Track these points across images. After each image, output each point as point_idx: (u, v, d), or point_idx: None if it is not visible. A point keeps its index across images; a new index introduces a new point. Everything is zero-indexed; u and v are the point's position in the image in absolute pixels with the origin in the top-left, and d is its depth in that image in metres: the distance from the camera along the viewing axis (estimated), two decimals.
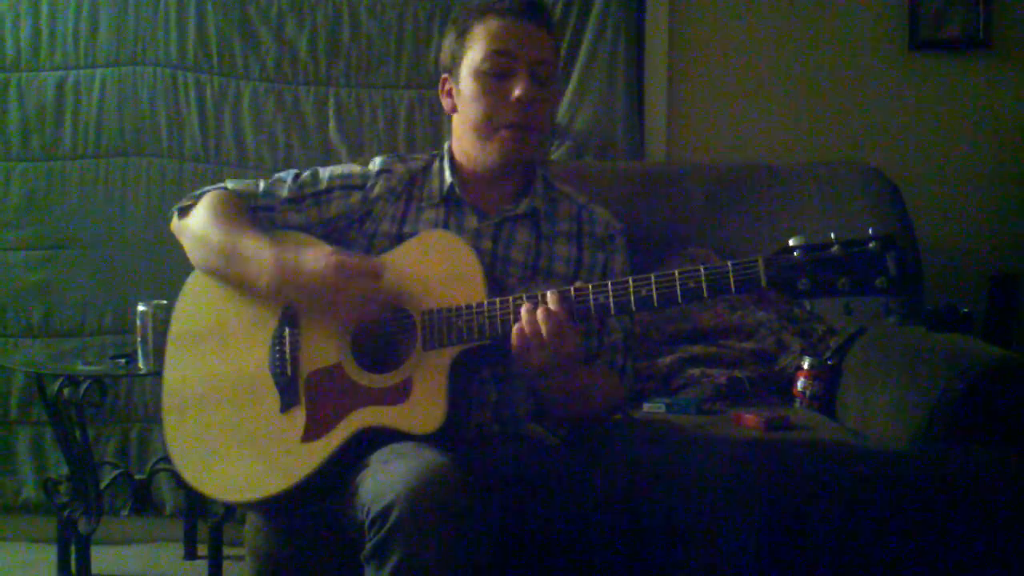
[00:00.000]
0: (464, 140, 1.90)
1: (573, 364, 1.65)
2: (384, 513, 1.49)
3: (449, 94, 1.92)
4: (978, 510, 2.00)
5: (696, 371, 2.58)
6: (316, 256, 1.73)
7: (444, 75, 1.92)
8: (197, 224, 1.87)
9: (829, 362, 2.51)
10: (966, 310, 2.63)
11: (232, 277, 1.83)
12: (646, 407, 2.44)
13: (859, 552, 2.00)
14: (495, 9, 1.85)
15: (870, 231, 1.51)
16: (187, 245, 1.91)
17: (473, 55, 1.84)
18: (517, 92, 1.80)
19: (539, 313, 1.61)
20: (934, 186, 3.17)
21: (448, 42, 1.91)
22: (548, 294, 1.63)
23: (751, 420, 2.29)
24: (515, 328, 1.62)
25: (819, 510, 2.01)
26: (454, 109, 1.91)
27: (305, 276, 1.73)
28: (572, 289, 1.64)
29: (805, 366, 2.51)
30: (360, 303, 1.72)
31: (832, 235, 1.52)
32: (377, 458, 1.63)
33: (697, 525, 1.58)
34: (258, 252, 1.78)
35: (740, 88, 3.24)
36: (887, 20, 3.22)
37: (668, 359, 2.60)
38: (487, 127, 1.84)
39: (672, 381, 2.58)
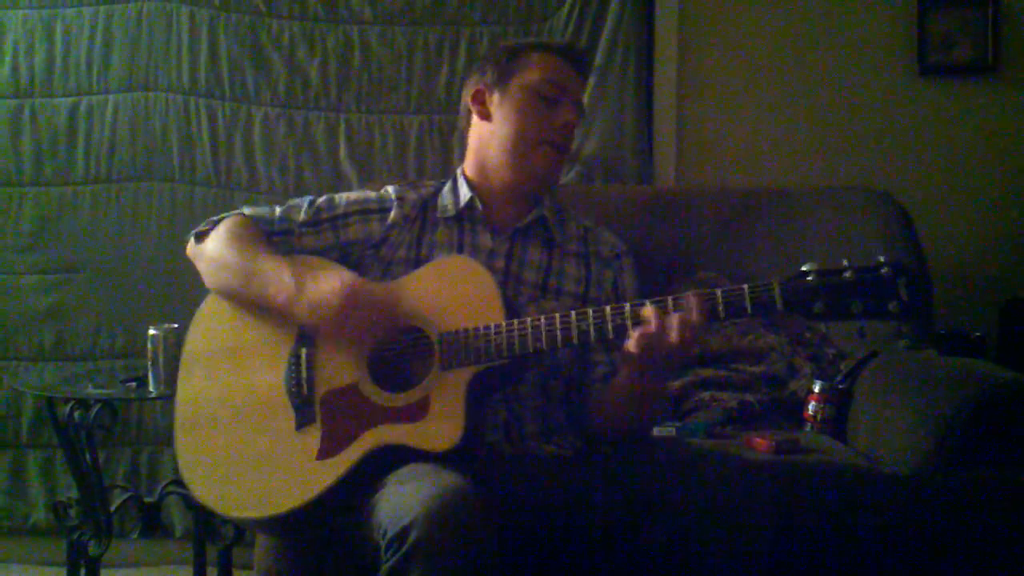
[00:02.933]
0: (490, 151, 1.98)
1: (676, 370, 1.74)
2: (402, 535, 1.50)
3: (482, 103, 2.00)
4: (989, 533, 2.00)
5: (706, 395, 2.57)
6: (335, 279, 1.75)
7: (482, 86, 2.01)
8: (215, 247, 1.90)
9: (840, 386, 2.50)
10: (978, 334, 2.63)
11: (250, 298, 1.85)
12: (656, 431, 2.43)
13: (868, 574, 1.99)
14: (556, 48, 2.03)
15: (881, 258, 1.55)
16: (204, 268, 1.93)
17: (529, 76, 1.97)
18: (567, 117, 1.96)
19: (675, 315, 1.62)
20: (944, 211, 3.17)
21: (495, 59, 2.02)
22: (690, 296, 1.62)
23: (762, 443, 2.28)
24: (641, 330, 1.63)
25: (830, 533, 2.01)
26: (487, 117, 2.00)
27: (324, 299, 1.74)
28: (608, 308, 1.67)
29: (816, 390, 2.50)
30: (376, 328, 1.74)
31: (844, 261, 1.56)
32: (394, 479, 1.63)
33: (708, 547, 1.59)
34: (277, 274, 1.80)
35: (749, 112, 3.26)
36: (896, 45, 3.23)
37: (679, 383, 2.60)
38: (528, 141, 1.94)
39: (682, 405, 2.58)
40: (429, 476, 1.58)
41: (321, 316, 1.76)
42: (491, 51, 2.09)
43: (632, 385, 1.75)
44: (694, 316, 1.60)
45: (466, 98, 2.04)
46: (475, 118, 2.02)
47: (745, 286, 1.59)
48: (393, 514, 1.54)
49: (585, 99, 2.08)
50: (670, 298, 1.63)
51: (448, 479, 1.56)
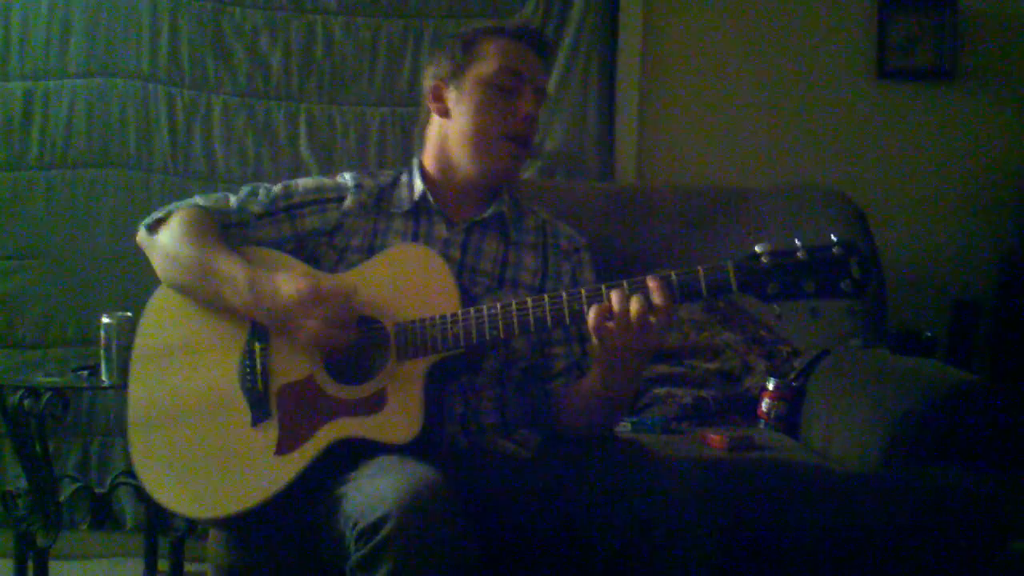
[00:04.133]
0: (449, 147, 1.95)
1: (648, 358, 1.70)
2: (375, 526, 1.49)
3: (440, 99, 1.96)
4: (940, 530, 2.02)
5: (662, 391, 2.59)
6: (290, 278, 1.73)
7: (437, 81, 1.96)
8: (168, 241, 1.86)
9: (793, 383, 2.52)
10: (929, 334, 2.66)
11: (204, 296, 1.82)
12: None
13: (822, 572, 2.00)
14: (509, 32, 1.95)
15: (833, 237, 1.55)
16: (157, 261, 1.89)
17: (484, 67, 1.91)
18: (526, 108, 1.90)
19: (636, 298, 1.59)
20: (900, 212, 3.21)
21: (449, 51, 1.97)
22: (651, 279, 1.60)
23: (716, 440, 2.30)
24: (597, 307, 1.61)
25: (782, 530, 2.02)
26: (445, 114, 1.95)
27: (280, 299, 1.72)
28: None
29: (770, 387, 2.52)
30: (334, 326, 1.71)
31: (797, 241, 1.56)
32: (362, 471, 1.63)
33: (662, 542, 1.58)
34: (232, 273, 1.77)
35: (710, 112, 3.27)
36: (856, 49, 3.27)
37: None
38: (488, 136, 1.90)
39: (638, 400, 2.58)
40: (400, 468, 1.58)
41: (278, 320, 1.74)
42: (445, 41, 2.01)
43: (602, 382, 1.73)
44: (655, 297, 1.59)
45: (424, 93, 2.00)
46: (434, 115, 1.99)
47: (700, 268, 1.58)
48: (365, 506, 1.53)
49: (550, 82, 2.03)
50: (625, 282, 1.61)
51: (420, 472, 1.56)
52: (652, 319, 1.59)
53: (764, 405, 2.52)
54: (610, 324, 1.60)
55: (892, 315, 2.80)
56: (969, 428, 2.09)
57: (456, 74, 1.94)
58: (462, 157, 1.93)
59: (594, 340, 1.64)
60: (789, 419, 2.50)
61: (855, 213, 2.82)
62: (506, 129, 1.90)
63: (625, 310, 1.59)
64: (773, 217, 2.87)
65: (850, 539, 2.02)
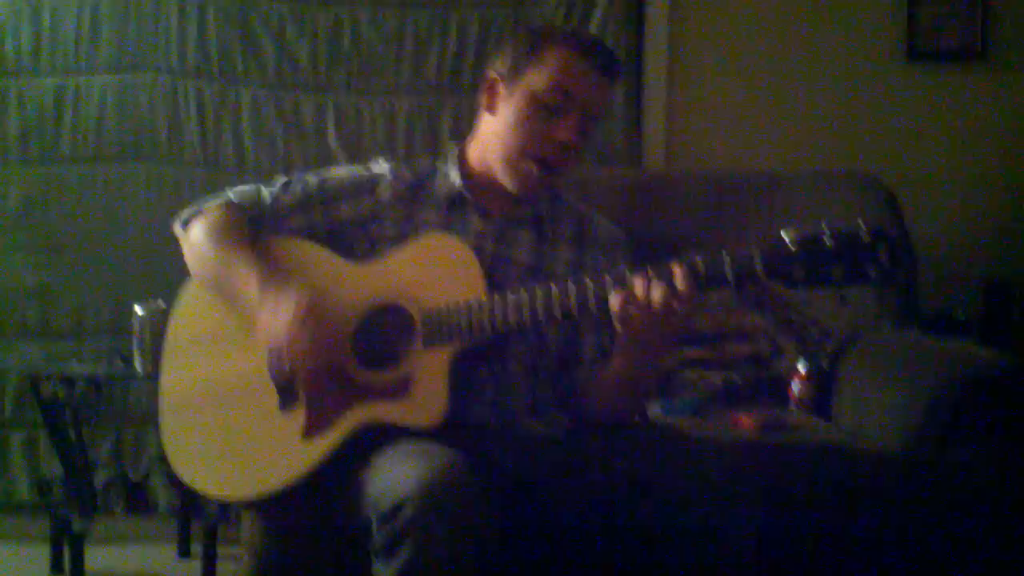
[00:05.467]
0: (489, 145, 1.88)
1: (673, 344, 1.69)
2: (395, 510, 1.50)
3: (493, 95, 1.88)
4: (973, 512, 2.02)
5: (692, 374, 2.59)
6: (287, 308, 1.71)
7: (496, 75, 1.88)
8: (196, 240, 1.88)
9: (824, 366, 2.52)
10: (962, 316, 2.64)
11: (224, 296, 1.85)
12: None
13: (854, 553, 2.01)
14: (577, 44, 1.83)
15: (862, 223, 1.51)
16: (187, 256, 1.92)
17: (537, 77, 1.81)
18: (564, 135, 1.79)
19: (660, 285, 1.57)
20: (931, 194, 3.18)
21: (514, 47, 1.88)
22: (675, 265, 1.58)
23: (747, 422, 2.30)
24: (623, 294, 1.59)
25: (814, 511, 2.02)
26: (493, 110, 1.88)
27: (277, 326, 1.72)
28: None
29: (801, 370, 2.52)
30: (311, 354, 1.71)
31: (823, 226, 1.53)
32: (384, 455, 1.63)
33: (693, 525, 1.59)
34: (246, 283, 1.78)
35: (739, 96, 3.26)
36: (885, 31, 3.24)
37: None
38: (518, 153, 1.82)
39: (669, 383, 2.59)
40: (422, 453, 1.58)
41: (273, 337, 1.73)
42: (515, 33, 1.94)
43: (626, 368, 1.72)
44: (679, 283, 1.56)
45: (483, 81, 1.92)
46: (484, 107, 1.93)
47: (725, 253, 1.55)
48: (386, 490, 1.54)
49: (609, 104, 1.89)
50: (649, 268, 1.59)
51: (441, 456, 1.56)
52: (675, 305, 1.56)
53: (795, 388, 2.52)
54: (633, 310, 1.58)
55: (924, 297, 2.78)
56: (1002, 410, 2.08)
57: (512, 74, 1.85)
58: (493, 161, 1.87)
59: (617, 326, 1.62)
60: (820, 401, 2.49)
61: (886, 196, 2.80)
62: (536, 150, 1.81)
63: (648, 296, 1.56)
64: (803, 202, 2.86)
65: (881, 519, 2.01)
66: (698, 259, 1.57)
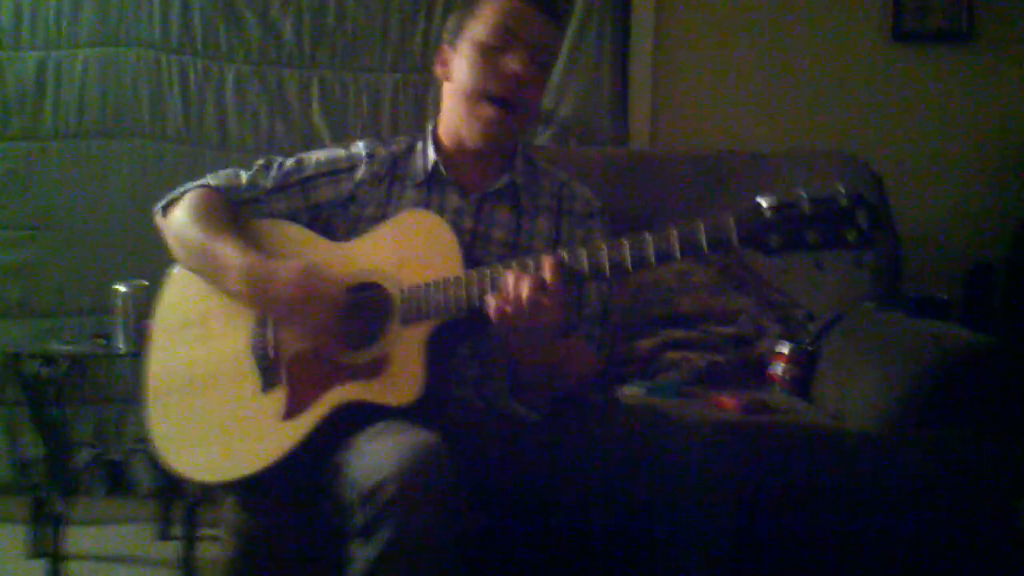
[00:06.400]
0: (451, 112, 1.90)
1: (552, 335, 1.63)
2: (376, 490, 1.49)
3: (444, 63, 1.91)
4: (954, 493, 2.02)
5: (676, 355, 2.59)
6: (285, 270, 1.72)
7: (443, 44, 1.92)
8: (177, 224, 1.87)
9: (808, 347, 2.52)
10: (945, 297, 2.65)
11: (209, 278, 1.84)
12: (626, 390, 2.45)
13: (836, 533, 2.01)
14: None
15: (840, 187, 1.48)
16: (169, 242, 1.91)
17: (477, 26, 1.84)
18: (513, 66, 1.80)
19: (526, 280, 1.58)
20: (915, 176, 3.19)
21: (455, 14, 1.92)
22: (542, 259, 1.60)
23: (730, 403, 2.30)
24: (497, 295, 1.60)
25: (797, 491, 2.02)
26: (448, 77, 1.90)
27: (272, 290, 1.72)
28: (566, 253, 1.61)
29: (784, 351, 2.52)
30: (318, 322, 1.71)
31: (802, 192, 1.49)
32: (365, 436, 1.63)
33: (676, 506, 1.59)
34: (231, 260, 1.77)
35: (724, 76, 3.26)
36: (871, 11, 3.25)
37: (648, 343, 2.61)
38: (473, 99, 1.83)
39: (652, 364, 2.59)
40: (401, 432, 1.58)
41: (269, 307, 1.75)
42: (456, 3, 1.96)
43: (517, 365, 1.72)
44: (546, 276, 1.57)
45: (438, 54, 1.96)
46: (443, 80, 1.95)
47: (700, 223, 1.52)
48: (366, 470, 1.54)
49: (558, 43, 1.89)
50: (530, 260, 1.61)
51: (419, 435, 1.56)
52: (545, 300, 1.57)
53: (778, 369, 2.52)
54: (507, 308, 1.58)
55: (907, 278, 2.79)
56: (982, 390, 2.08)
57: (456, 34, 1.89)
58: (456, 120, 1.88)
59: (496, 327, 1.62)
60: (803, 382, 2.49)
61: (871, 176, 2.80)
62: (489, 89, 1.82)
63: (518, 292, 1.57)
64: (788, 181, 2.85)
65: (863, 500, 2.02)
66: (673, 229, 1.54)
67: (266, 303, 1.75)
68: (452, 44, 1.90)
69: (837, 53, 3.25)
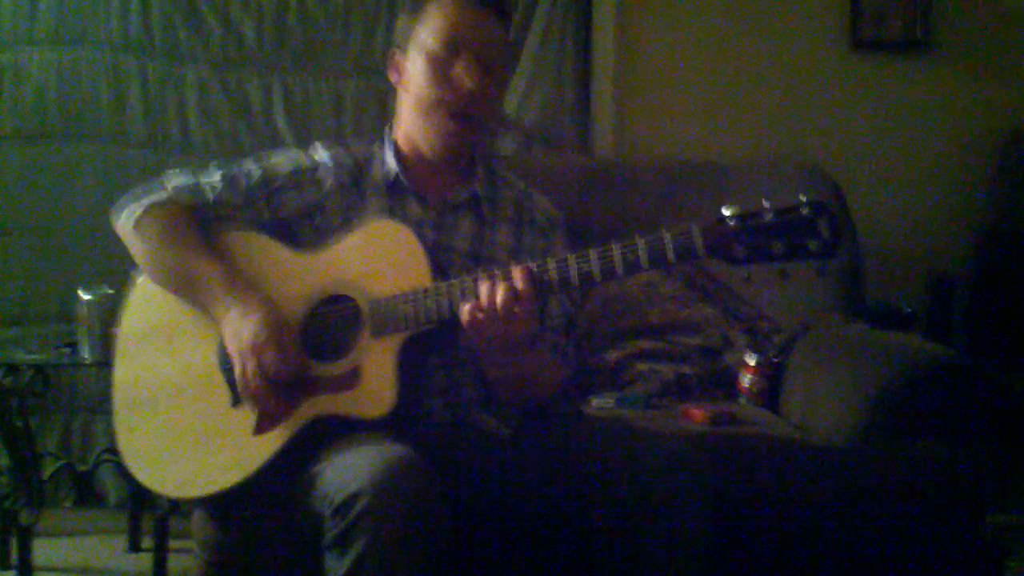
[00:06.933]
0: (408, 121, 1.89)
1: (524, 344, 1.65)
2: (348, 502, 1.50)
3: (397, 69, 1.90)
4: (917, 504, 2.04)
5: (644, 366, 2.60)
6: (254, 318, 1.72)
7: (394, 49, 1.91)
8: (149, 244, 1.85)
9: (774, 359, 2.55)
10: (908, 310, 2.68)
11: (182, 295, 1.83)
12: (595, 401, 2.47)
13: (802, 545, 2.03)
14: None
15: (802, 197, 1.52)
16: (139, 259, 1.89)
17: (424, 33, 1.84)
18: (465, 83, 1.80)
19: (501, 288, 1.61)
20: (875, 185, 3.23)
21: (403, 17, 1.91)
22: (513, 270, 1.62)
23: (698, 415, 2.32)
24: (470, 303, 1.62)
25: (763, 503, 2.04)
26: (401, 85, 1.90)
27: (243, 332, 1.71)
28: (535, 264, 1.63)
29: (751, 363, 2.54)
30: (280, 372, 1.70)
31: (765, 202, 1.53)
32: (337, 449, 1.63)
33: (645, 517, 1.60)
34: (210, 286, 1.77)
35: (686, 84, 3.28)
36: (829, 20, 3.28)
37: (616, 354, 2.63)
38: (428, 110, 1.83)
39: (620, 376, 2.61)
40: (374, 445, 1.59)
41: (234, 348, 1.73)
42: (403, 6, 1.94)
43: (491, 374, 1.74)
44: (518, 285, 1.60)
45: (391, 60, 1.95)
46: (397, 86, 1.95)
47: (667, 233, 1.56)
48: (339, 483, 1.54)
49: (507, 39, 1.90)
50: (501, 270, 1.63)
51: (393, 447, 1.57)
52: (517, 309, 1.59)
53: (745, 380, 2.54)
54: (480, 316, 1.61)
55: (870, 290, 2.83)
56: (946, 403, 2.11)
57: (405, 41, 1.88)
58: (413, 130, 1.88)
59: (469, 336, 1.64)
60: (770, 394, 2.52)
61: (830, 186, 2.84)
62: (444, 99, 1.82)
63: (491, 301, 1.60)
64: (749, 189, 2.87)
65: (829, 512, 2.04)
66: (640, 239, 1.57)
67: (230, 338, 1.74)
68: (403, 49, 1.88)
69: (796, 62, 3.28)
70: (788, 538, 2.03)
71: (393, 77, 1.92)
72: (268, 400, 1.71)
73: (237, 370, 1.73)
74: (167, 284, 1.86)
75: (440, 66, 1.81)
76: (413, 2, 1.89)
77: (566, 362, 1.92)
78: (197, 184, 1.90)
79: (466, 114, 1.82)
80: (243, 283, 1.78)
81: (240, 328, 1.71)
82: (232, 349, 1.73)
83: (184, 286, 1.82)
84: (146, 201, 1.88)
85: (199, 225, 1.88)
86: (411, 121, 1.88)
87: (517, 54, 3.12)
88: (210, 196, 1.89)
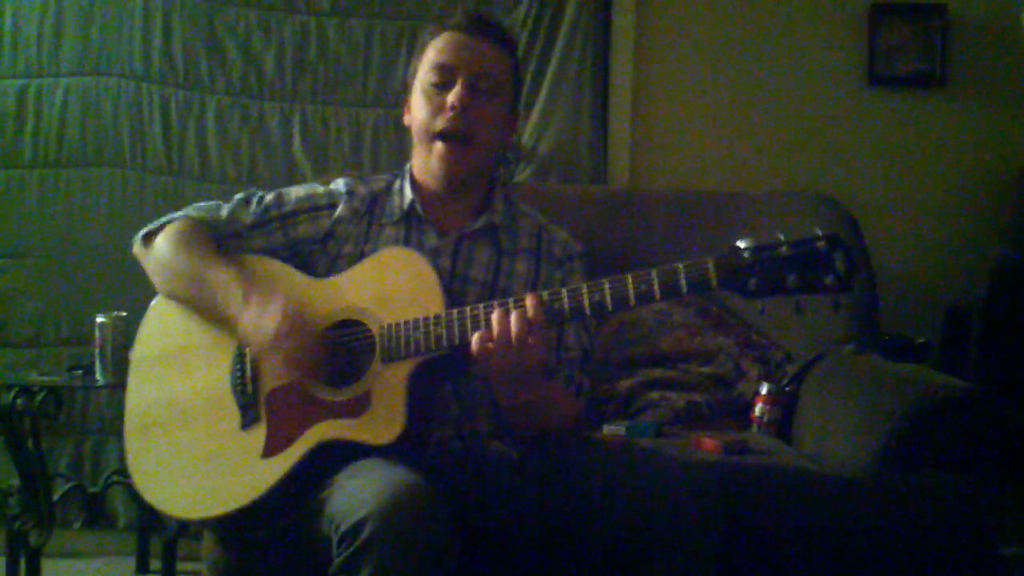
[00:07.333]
0: (416, 156, 1.93)
1: (537, 374, 1.64)
2: (356, 528, 1.49)
3: (408, 109, 1.94)
4: (931, 536, 2.03)
5: (655, 395, 2.60)
6: (276, 311, 1.72)
7: (406, 86, 1.95)
8: (164, 253, 1.87)
9: (786, 388, 2.54)
10: (922, 341, 2.67)
11: (199, 304, 1.84)
12: (606, 430, 2.45)
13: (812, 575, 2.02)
14: (446, 25, 1.90)
15: (818, 231, 1.51)
16: (153, 272, 1.90)
17: (422, 71, 1.88)
18: (450, 99, 1.83)
19: (513, 317, 1.60)
20: (891, 219, 3.23)
21: (412, 60, 1.95)
22: (526, 297, 1.62)
23: (710, 444, 2.31)
24: (481, 332, 1.62)
25: (775, 533, 2.03)
26: (410, 125, 1.94)
27: (263, 326, 1.72)
28: (546, 293, 1.63)
29: (763, 392, 2.53)
30: (303, 363, 1.72)
31: (780, 235, 1.52)
32: (345, 474, 1.63)
33: (653, 544, 1.59)
34: (227, 286, 1.78)
35: (703, 116, 3.29)
36: (847, 56, 3.29)
37: (628, 382, 2.62)
38: (425, 136, 1.86)
39: (632, 404, 2.60)
40: (382, 470, 1.58)
41: (256, 341, 1.74)
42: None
43: (503, 402, 1.73)
44: (531, 314, 1.60)
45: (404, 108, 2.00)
46: None
47: (680, 264, 1.55)
48: (346, 508, 1.53)
49: (503, 65, 1.90)
50: (511, 299, 1.63)
51: (401, 474, 1.56)
52: (529, 339, 1.59)
53: (757, 410, 2.53)
54: (490, 344, 1.60)
55: (885, 321, 2.82)
56: (961, 435, 2.10)
57: (411, 78, 1.93)
58: (419, 163, 1.91)
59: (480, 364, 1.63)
60: (782, 424, 2.51)
61: (846, 219, 2.84)
62: (437, 127, 1.84)
63: (503, 330, 1.59)
64: (765, 222, 2.87)
65: (842, 544, 2.03)
66: (653, 271, 1.57)
67: (251, 331, 1.75)
68: (410, 90, 1.93)
69: (813, 96, 3.29)
70: (799, 568, 2.01)
71: (407, 119, 1.96)
72: (274, 408, 1.73)
73: (239, 378, 1.74)
74: (182, 292, 1.86)
75: (434, 95, 1.85)
76: (418, 46, 1.93)
77: (581, 396, 1.91)
78: (215, 204, 1.95)
79: (456, 133, 1.84)
80: (259, 282, 1.79)
81: (262, 322, 1.72)
82: (254, 344, 1.74)
83: (199, 291, 1.82)
84: (162, 219, 1.93)
85: (213, 239, 1.90)
86: (417, 155, 1.91)
87: (525, 81, 3.13)
88: (224, 212, 1.93)
